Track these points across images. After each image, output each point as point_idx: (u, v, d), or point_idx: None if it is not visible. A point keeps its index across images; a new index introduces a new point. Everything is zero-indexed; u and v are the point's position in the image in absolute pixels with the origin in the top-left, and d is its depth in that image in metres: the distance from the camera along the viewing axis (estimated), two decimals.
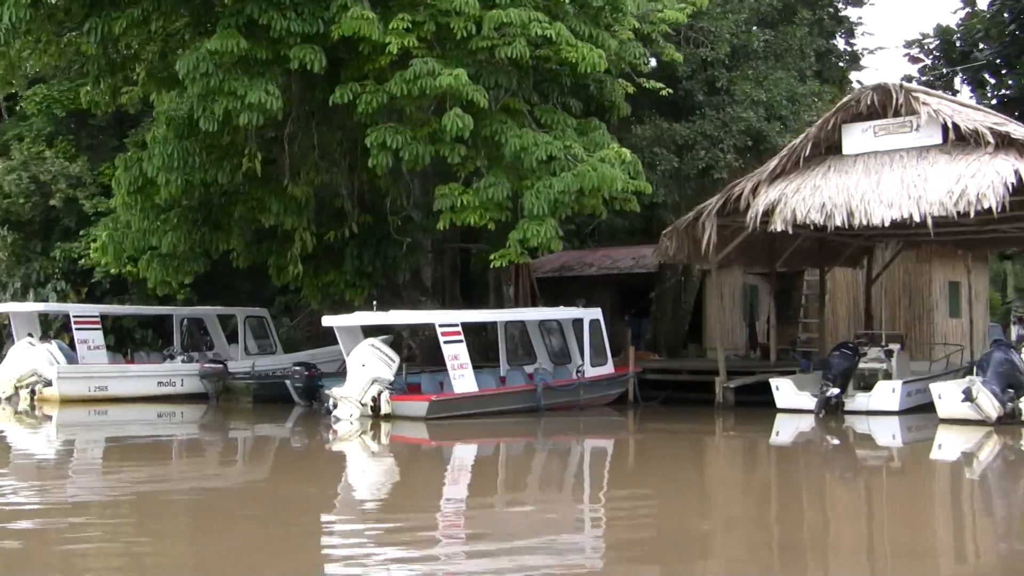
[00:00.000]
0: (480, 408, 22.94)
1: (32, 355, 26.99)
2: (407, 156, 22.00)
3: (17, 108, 36.22)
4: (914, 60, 43.39)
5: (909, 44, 43.20)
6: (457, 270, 32.98)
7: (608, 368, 25.92)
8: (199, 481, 16.05)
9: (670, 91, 26.08)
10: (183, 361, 28.48)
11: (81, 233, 32.86)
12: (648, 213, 27.34)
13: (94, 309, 28.60)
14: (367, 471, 17.64)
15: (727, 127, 26.88)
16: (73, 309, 28.18)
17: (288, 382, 25.32)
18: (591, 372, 25.35)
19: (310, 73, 22.66)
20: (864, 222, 22.76)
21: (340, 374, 27.17)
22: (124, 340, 33.06)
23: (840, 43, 35.95)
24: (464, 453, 19.93)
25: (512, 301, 31.23)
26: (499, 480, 16.40)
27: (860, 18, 35.66)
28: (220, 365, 26.96)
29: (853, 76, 36.95)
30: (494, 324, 26.68)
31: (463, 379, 22.66)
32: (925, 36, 43.04)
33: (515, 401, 23.71)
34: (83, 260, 32.53)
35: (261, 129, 23.32)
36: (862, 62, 38.27)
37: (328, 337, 34.60)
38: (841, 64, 35.72)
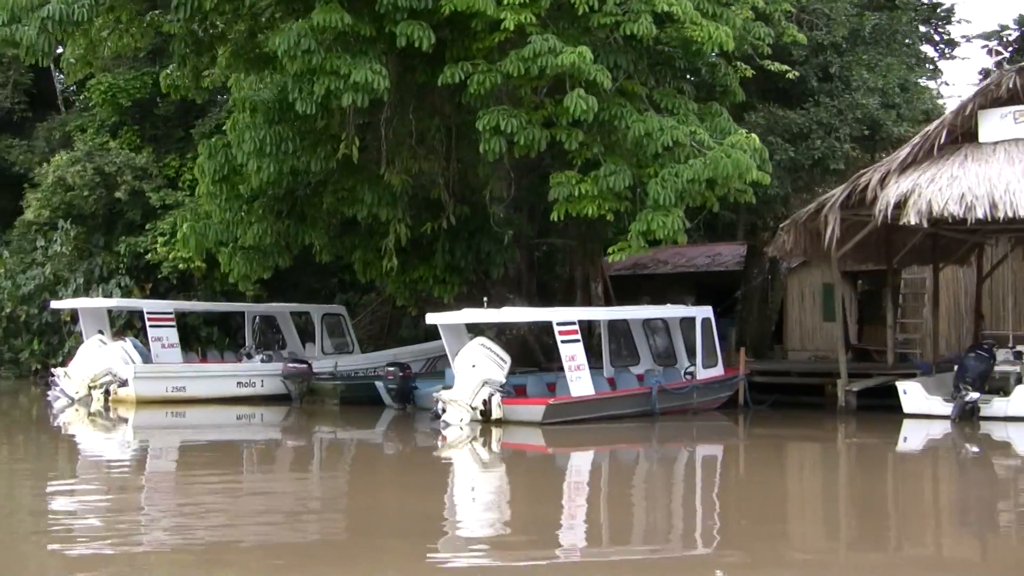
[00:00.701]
0: (595, 412, 21.01)
1: (106, 353, 25.09)
2: (522, 141, 20.08)
3: (79, 99, 34.46)
4: (993, 53, 41.22)
5: (987, 36, 41.02)
6: (534, 267, 31.00)
7: (719, 370, 23.95)
8: (301, 497, 14.17)
9: (795, 73, 24.06)
10: (262, 361, 26.53)
11: (147, 227, 31.01)
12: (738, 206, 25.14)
13: (168, 305, 26.70)
14: (489, 483, 15.73)
15: (842, 115, 24.82)
16: (147, 305, 26.27)
17: (380, 384, 23.36)
18: (702, 374, 23.35)
19: (410, 53, 20.78)
20: (1009, 214, 20.81)
21: (428, 375, 25.38)
22: (189, 338, 31.03)
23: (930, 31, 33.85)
24: (588, 463, 18.07)
25: (601, 299, 29.22)
26: (631, 498, 14.41)
27: (954, 4, 33.57)
28: (304, 365, 25.01)
29: (943, 65, 34.85)
30: (588, 323, 24.63)
31: (580, 381, 20.71)
32: (1004, 28, 40.87)
33: (630, 405, 21.78)
34: (150, 255, 30.68)
35: (356, 113, 21.38)
36: (955, 51, 36.11)
37: (393, 337, 32.81)
38: (934, 53, 33.67)
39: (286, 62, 20.02)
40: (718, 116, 22.15)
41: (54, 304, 28.50)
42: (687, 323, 23.90)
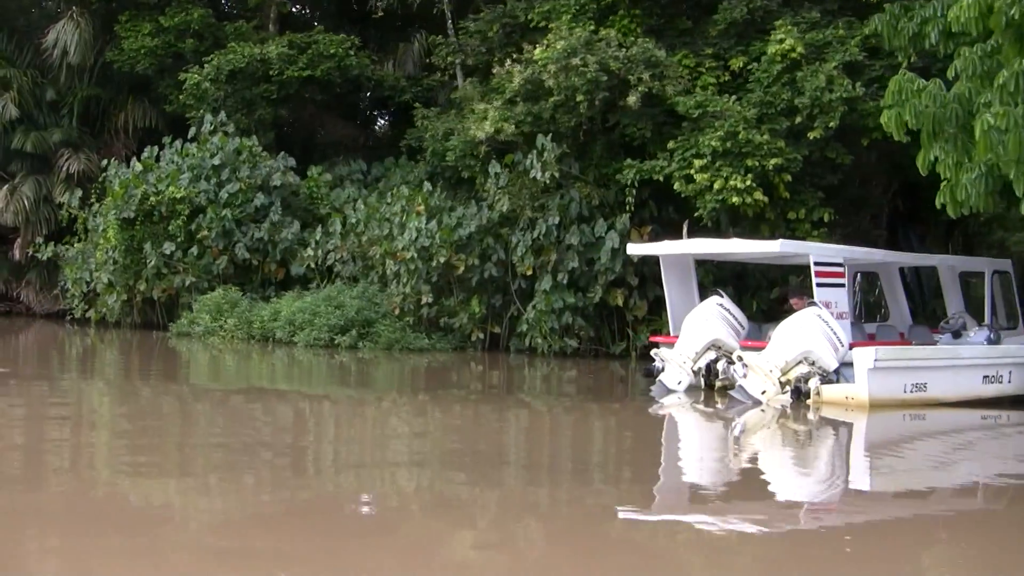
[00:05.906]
0: None
1: (798, 329, 14.37)
2: None
3: None
4: None
5: None
6: None
7: None
8: None
9: None
10: (988, 341, 15.61)
11: (670, 145, 20.14)
12: None
13: (836, 252, 15.79)
14: None
15: None
16: (814, 251, 15.38)
17: None
18: None
19: None
20: None
21: None
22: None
23: None
24: None
25: None
26: None
27: None
28: None
29: None
30: None
31: None
32: None
33: None
34: (676, 184, 19.86)
35: None
36: None
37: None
38: None
39: None
40: None
41: (631, 249, 17.73)
42: None
